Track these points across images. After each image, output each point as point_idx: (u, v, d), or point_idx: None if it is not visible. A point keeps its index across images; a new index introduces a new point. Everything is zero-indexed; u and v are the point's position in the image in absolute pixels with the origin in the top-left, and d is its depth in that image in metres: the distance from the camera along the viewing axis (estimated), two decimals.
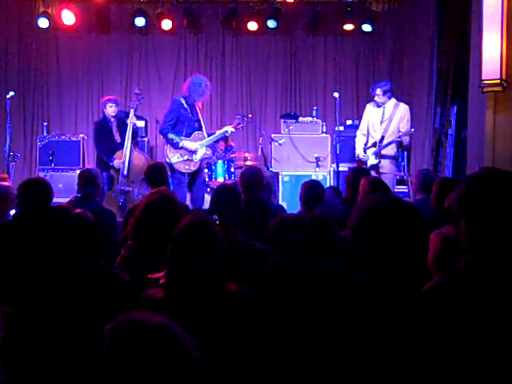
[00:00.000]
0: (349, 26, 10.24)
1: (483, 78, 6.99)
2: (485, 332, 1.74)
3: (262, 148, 9.34)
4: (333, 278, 3.19)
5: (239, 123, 7.82)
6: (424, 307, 1.72)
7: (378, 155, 7.67)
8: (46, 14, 10.13)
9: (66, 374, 2.51)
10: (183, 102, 7.40)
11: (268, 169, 9.07)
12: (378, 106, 7.80)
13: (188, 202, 7.60)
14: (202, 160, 7.55)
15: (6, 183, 5.18)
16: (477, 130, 7.55)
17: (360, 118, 9.85)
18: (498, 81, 6.91)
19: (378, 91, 7.69)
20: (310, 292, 3.05)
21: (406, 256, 1.73)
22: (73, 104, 10.62)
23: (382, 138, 7.70)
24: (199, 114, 7.52)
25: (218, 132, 7.75)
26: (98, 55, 10.62)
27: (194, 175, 7.54)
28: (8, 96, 8.07)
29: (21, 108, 10.42)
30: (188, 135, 7.47)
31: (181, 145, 7.39)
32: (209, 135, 7.64)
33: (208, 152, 7.57)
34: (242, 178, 5.34)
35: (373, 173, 7.18)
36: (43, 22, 10.04)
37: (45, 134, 9.87)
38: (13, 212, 4.70)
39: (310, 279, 3.10)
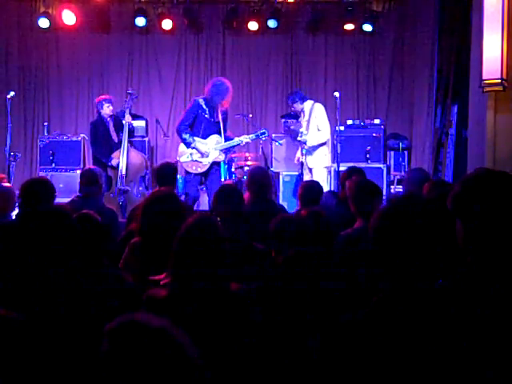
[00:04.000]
0: (349, 26, 10.24)
1: (484, 77, 6.99)
2: (488, 333, 1.75)
3: (262, 148, 9.35)
4: (334, 277, 3.19)
5: (264, 133, 7.84)
6: (430, 309, 1.72)
7: (302, 153, 8.23)
8: (46, 14, 10.13)
9: (66, 375, 2.52)
10: (202, 103, 7.47)
11: (268, 168, 9.08)
12: (301, 112, 8.31)
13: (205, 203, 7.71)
14: (213, 163, 7.55)
15: (7, 184, 5.19)
16: (477, 129, 7.55)
17: (360, 117, 9.89)
18: (499, 80, 6.91)
19: (290, 103, 8.30)
20: (311, 292, 3.05)
21: (427, 255, 1.72)
22: (73, 104, 10.62)
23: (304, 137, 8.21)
24: (219, 117, 7.46)
25: (237, 139, 7.74)
26: (98, 55, 10.62)
27: (205, 177, 7.58)
28: (8, 96, 8.06)
29: (21, 108, 10.42)
30: (205, 137, 7.51)
31: (193, 145, 7.46)
32: (228, 139, 7.65)
33: (221, 156, 7.57)
34: (251, 178, 5.34)
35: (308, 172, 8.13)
36: (44, 22, 10.05)
37: (45, 133, 9.89)
38: (14, 212, 4.71)
39: (311, 278, 3.10)
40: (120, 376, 1.49)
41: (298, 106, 8.22)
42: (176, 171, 5.96)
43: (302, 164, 8.27)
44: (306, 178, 8.00)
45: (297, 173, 8.93)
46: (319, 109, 8.14)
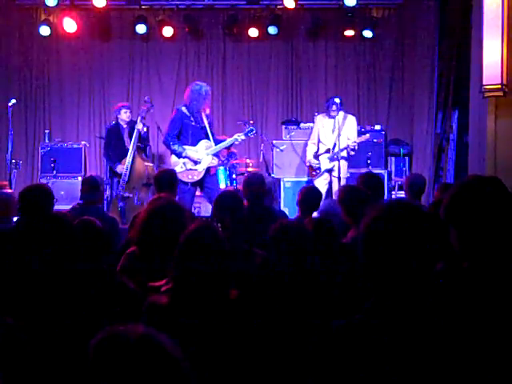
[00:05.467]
0: (349, 32, 10.25)
1: (484, 82, 6.99)
2: (486, 337, 1.75)
3: (263, 154, 9.35)
4: (334, 283, 3.19)
5: (251, 130, 7.65)
6: (427, 315, 1.72)
7: (332, 160, 8.31)
8: (47, 22, 10.16)
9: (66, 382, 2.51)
10: (185, 110, 7.33)
11: (269, 175, 9.09)
12: (330, 117, 8.37)
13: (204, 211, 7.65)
14: (207, 169, 7.38)
15: (9, 190, 5.20)
16: (478, 135, 7.55)
17: (361, 123, 9.88)
18: (499, 86, 6.91)
19: (334, 107, 8.30)
20: (311, 297, 3.05)
21: (418, 259, 1.73)
22: (74, 111, 10.65)
23: (334, 145, 8.24)
24: (205, 121, 7.36)
25: (228, 140, 7.60)
26: (99, 62, 10.65)
27: (201, 184, 7.41)
28: (10, 104, 8.08)
29: (22, 115, 10.44)
30: (194, 144, 7.36)
31: (184, 154, 7.31)
32: (218, 142, 7.51)
33: (214, 161, 7.42)
34: (246, 185, 5.37)
35: (326, 175, 8.34)
36: (45, 30, 10.07)
37: (47, 141, 9.91)
38: (15, 219, 4.72)
39: (310, 284, 3.10)
40: None
41: (335, 112, 8.29)
42: (176, 177, 5.91)
43: (319, 169, 8.38)
44: (321, 183, 8.17)
45: (297, 179, 8.95)
46: (354, 121, 8.48)
